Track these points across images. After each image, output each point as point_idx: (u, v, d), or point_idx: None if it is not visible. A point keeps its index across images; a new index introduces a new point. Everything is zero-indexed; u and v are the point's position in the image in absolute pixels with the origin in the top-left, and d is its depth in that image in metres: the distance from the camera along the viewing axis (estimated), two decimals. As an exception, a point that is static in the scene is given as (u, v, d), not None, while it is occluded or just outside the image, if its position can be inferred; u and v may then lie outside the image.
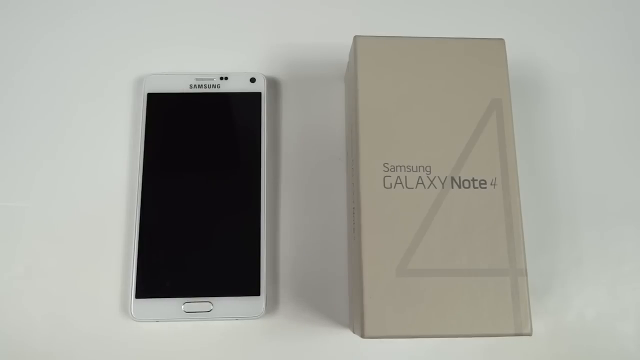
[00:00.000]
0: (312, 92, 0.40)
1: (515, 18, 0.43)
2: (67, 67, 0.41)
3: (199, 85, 0.39)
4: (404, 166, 0.32)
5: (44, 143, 0.39)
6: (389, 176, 0.32)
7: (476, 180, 0.32)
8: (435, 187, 0.32)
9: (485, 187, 0.32)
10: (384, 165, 0.32)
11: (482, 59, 0.34)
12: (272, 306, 0.37)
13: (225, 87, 0.39)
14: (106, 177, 0.38)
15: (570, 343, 0.37)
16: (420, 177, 0.32)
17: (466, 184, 0.32)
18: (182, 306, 0.35)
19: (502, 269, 0.31)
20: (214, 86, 0.39)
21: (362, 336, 0.29)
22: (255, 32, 0.42)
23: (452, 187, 0.32)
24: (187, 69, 0.40)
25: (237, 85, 0.39)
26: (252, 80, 0.39)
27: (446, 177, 0.32)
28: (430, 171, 0.32)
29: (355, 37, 0.34)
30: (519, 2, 0.43)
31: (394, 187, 0.31)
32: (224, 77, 0.39)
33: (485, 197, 0.32)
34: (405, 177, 0.32)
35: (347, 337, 0.37)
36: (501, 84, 0.34)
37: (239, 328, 0.36)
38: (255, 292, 0.35)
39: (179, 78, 0.39)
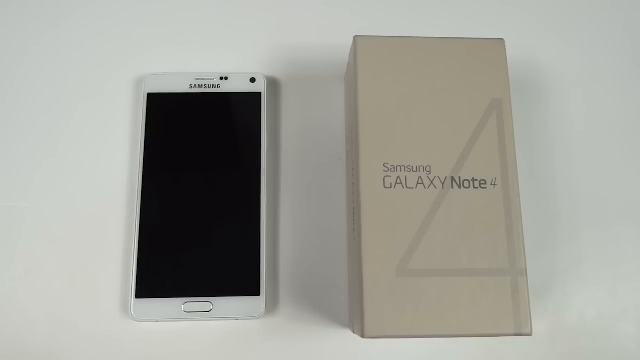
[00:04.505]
0: (312, 92, 0.40)
1: (515, 18, 0.43)
2: (67, 66, 0.41)
3: (199, 85, 0.39)
4: (404, 166, 0.32)
5: (44, 143, 0.39)
6: (389, 176, 0.32)
7: (476, 180, 0.32)
8: (435, 187, 0.32)
9: (485, 187, 0.32)
10: (384, 165, 0.32)
11: (482, 59, 0.34)
12: (272, 306, 0.37)
13: (225, 87, 0.39)
14: (106, 177, 0.38)
15: (570, 343, 0.37)
16: (420, 177, 0.32)
17: (466, 184, 0.32)
18: (182, 306, 0.35)
19: (502, 269, 0.31)
20: (214, 86, 0.39)
21: (362, 336, 0.29)
22: (255, 32, 0.42)
23: (452, 187, 0.32)
24: (187, 69, 0.40)
25: (237, 85, 0.39)
26: (252, 80, 0.39)
27: (446, 177, 0.32)
28: (430, 171, 0.32)
29: (355, 37, 0.34)
30: (519, 2, 0.43)
31: (394, 187, 0.31)
32: (224, 77, 0.39)
33: (485, 197, 0.32)
34: (405, 177, 0.32)
35: (347, 337, 0.37)
36: (501, 84, 0.34)
37: (239, 328, 0.36)
38: (255, 292, 0.35)
39: (179, 78, 0.39)
